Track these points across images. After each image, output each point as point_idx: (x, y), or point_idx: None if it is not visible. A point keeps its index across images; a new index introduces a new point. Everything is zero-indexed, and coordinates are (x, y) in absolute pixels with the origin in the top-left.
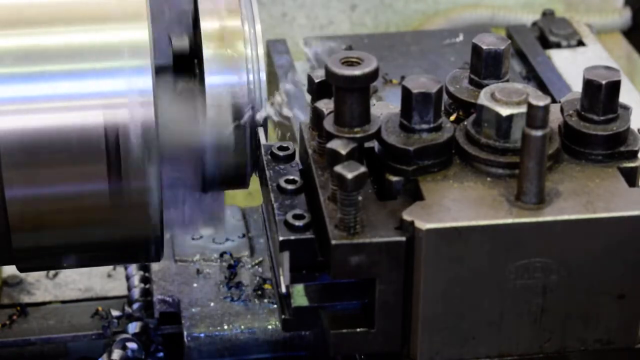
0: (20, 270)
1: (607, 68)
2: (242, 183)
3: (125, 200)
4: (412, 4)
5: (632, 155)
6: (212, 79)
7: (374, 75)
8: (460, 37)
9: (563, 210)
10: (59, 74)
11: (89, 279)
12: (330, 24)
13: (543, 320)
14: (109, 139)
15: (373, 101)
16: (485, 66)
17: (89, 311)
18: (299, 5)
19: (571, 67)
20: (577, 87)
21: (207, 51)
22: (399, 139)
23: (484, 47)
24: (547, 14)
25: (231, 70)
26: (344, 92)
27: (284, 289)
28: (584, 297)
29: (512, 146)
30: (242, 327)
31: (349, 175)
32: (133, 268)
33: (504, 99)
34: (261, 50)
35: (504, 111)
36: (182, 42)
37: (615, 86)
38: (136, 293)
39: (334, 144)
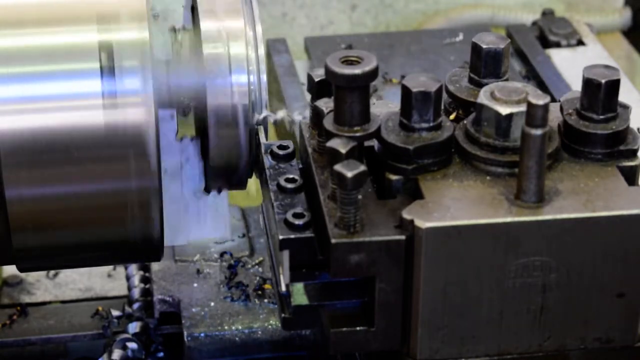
0: (20, 270)
1: (607, 67)
2: (240, 184)
3: (126, 201)
4: (412, 4)
5: (631, 154)
6: (212, 79)
7: (373, 74)
8: (460, 37)
9: (562, 209)
10: (59, 74)
11: (89, 279)
12: (330, 24)
13: (542, 318)
14: (109, 139)
15: (373, 100)
16: (485, 65)
17: (89, 311)
18: (299, 5)
19: (571, 66)
20: (577, 86)
21: (207, 51)
22: (398, 137)
23: (484, 46)
24: (547, 14)
25: (231, 71)
26: (344, 91)
27: (283, 288)
28: (583, 296)
29: (512, 145)
30: (242, 327)
31: (349, 174)
32: (133, 268)
33: (504, 98)
34: (262, 51)
35: (504, 110)
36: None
37: (614, 85)
38: (136, 293)
39: (334, 143)
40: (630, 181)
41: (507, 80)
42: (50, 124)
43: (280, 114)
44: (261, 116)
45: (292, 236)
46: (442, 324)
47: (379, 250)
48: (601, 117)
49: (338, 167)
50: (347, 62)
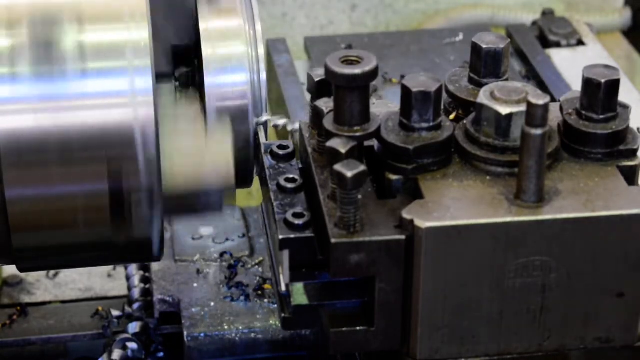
0: (20, 270)
1: (607, 67)
2: (245, 182)
3: (125, 200)
4: (412, 4)
5: (631, 154)
6: (212, 79)
7: (373, 74)
8: (460, 37)
9: (562, 208)
10: (59, 74)
11: (89, 279)
12: (330, 24)
13: (542, 318)
14: (109, 139)
15: (373, 100)
16: (485, 65)
17: (89, 311)
18: (299, 5)
19: (571, 66)
20: (577, 86)
21: (207, 51)
22: (398, 137)
23: (484, 46)
24: (547, 14)
25: (231, 70)
26: (344, 90)
27: (283, 288)
28: (583, 296)
29: (512, 145)
30: (242, 327)
31: (349, 174)
32: (133, 268)
33: (504, 97)
34: (261, 50)
35: (504, 110)
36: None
37: (614, 85)
38: (136, 293)
39: (334, 143)
40: (630, 181)
41: (507, 80)
42: (51, 123)
43: (281, 121)
44: (262, 119)
45: (292, 236)
46: (442, 324)
47: (379, 250)
48: (601, 117)
49: (338, 167)
50: (347, 62)
